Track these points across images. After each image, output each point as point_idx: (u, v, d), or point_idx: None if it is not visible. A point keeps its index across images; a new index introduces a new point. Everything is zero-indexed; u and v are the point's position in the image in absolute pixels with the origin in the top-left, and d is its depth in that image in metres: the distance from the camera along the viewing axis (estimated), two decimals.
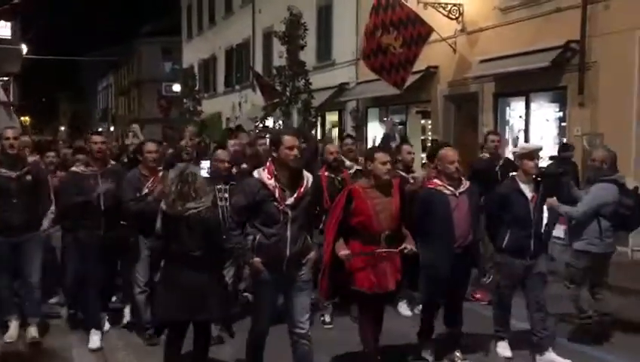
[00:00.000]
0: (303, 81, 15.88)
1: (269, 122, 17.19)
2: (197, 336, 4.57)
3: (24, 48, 18.79)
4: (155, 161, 5.76)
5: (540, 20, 10.75)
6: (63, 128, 73.28)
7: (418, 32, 12.43)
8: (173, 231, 4.37)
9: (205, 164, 6.02)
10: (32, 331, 5.61)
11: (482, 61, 12.03)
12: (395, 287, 4.75)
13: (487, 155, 7.14)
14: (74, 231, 5.85)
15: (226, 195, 5.59)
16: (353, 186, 4.80)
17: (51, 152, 7.33)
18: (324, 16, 18.62)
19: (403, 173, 6.27)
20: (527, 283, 5.25)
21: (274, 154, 4.39)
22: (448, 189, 4.97)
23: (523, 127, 11.61)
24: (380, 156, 4.67)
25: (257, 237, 4.32)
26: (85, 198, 5.57)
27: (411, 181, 6.20)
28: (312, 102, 16.51)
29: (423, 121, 15.19)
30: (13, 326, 5.68)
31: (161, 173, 5.70)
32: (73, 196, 5.62)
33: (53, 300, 6.66)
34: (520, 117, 11.83)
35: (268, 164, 4.43)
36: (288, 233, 4.30)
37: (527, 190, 5.17)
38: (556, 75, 10.41)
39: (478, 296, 6.86)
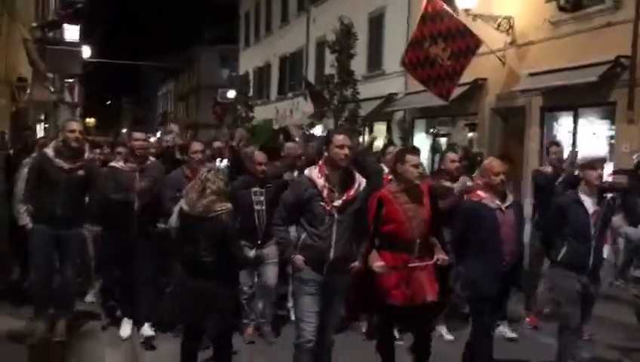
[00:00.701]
0: (351, 90, 16.00)
1: (317, 130, 17.41)
2: (215, 348, 4.46)
3: (87, 51, 19.61)
4: (199, 162, 5.64)
5: (590, 34, 10.54)
6: (124, 130, 75.83)
7: (467, 45, 12.37)
8: (190, 233, 4.26)
9: (223, 164, 6.06)
10: (61, 327, 5.50)
11: (530, 74, 11.87)
12: (436, 298, 4.40)
13: (549, 168, 6.72)
14: (108, 227, 5.83)
15: (262, 198, 5.55)
16: (381, 192, 4.52)
17: (98, 149, 7.45)
18: (376, 26, 18.72)
19: (448, 183, 5.95)
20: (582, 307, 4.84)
21: (325, 154, 4.31)
22: (494, 203, 4.63)
23: (571, 142, 11.36)
24: (412, 158, 4.42)
25: (302, 236, 4.24)
26: (121, 196, 5.50)
27: (455, 192, 5.85)
28: (360, 111, 16.64)
29: (470, 134, 15.07)
30: (61, 323, 5.54)
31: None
32: (109, 191, 5.56)
33: (88, 298, 6.70)
34: (568, 132, 11.60)
35: (320, 162, 4.33)
36: (333, 236, 4.16)
37: (588, 203, 4.85)
38: (605, 90, 10.18)
39: (528, 319, 6.57)
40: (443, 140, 15.99)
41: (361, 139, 18.90)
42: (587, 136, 11.05)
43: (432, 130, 16.22)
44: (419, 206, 4.40)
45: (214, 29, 42.73)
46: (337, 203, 4.17)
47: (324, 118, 16.88)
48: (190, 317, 4.33)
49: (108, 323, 5.97)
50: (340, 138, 4.22)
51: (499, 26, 12.60)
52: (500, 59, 12.83)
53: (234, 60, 35.93)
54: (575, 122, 11.26)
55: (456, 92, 13.05)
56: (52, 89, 17.14)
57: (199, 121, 41.03)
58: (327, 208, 4.16)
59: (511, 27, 12.57)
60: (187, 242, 4.29)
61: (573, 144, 11.19)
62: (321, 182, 4.19)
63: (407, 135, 16.85)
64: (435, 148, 15.93)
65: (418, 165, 4.44)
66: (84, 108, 60.48)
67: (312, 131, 16.83)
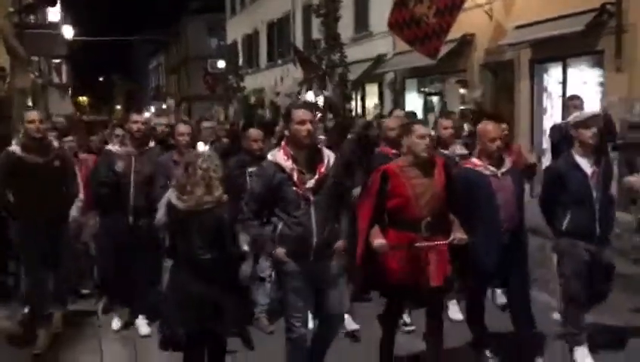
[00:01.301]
0: (339, 54, 15.81)
1: (308, 96, 17.28)
2: (210, 352, 3.98)
3: (69, 31, 19.33)
4: (187, 145, 5.26)
5: None
6: (118, 107, 75.61)
7: (452, 0, 12.16)
8: (182, 229, 3.81)
9: (203, 147, 5.55)
10: (57, 320, 5.26)
11: (517, 27, 11.69)
12: (444, 283, 4.03)
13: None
14: (103, 215, 5.50)
15: None
16: (388, 165, 4.15)
17: (69, 137, 6.72)
18: None
19: (444, 151, 5.55)
20: (592, 275, 4.47)
21: (286, 132, 4.00)
22: (488, 169, 4.30)
23: (560, 94, 11.26)
24: (418, 128, 4.03)
25: (279, 226, 3.89)
26: (114, 179, 5.20)
27: (455, 158, 5.38)
28: (350, 75, 16.48)
29: (462, 91, 14.92)
30: (57, 316, 5.31)
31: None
32: (103, 175, 5.28)
33: (85, 291, 6.37)
34: (558, 83, 11.48)
35: (283, 143, 4.00)
36: (313, 219, 3.84)
37: (585, 165, 4.47)
38: (593, 38, 10.02)
39: None
40: (435, 99, 15.89)
41: (353, 104, 18.87)
42: (577, 87, 10.91)
43: (423, 90, 16.07)
44: (430, 181, 4.01)
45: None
46: (310, 184, 3.85)
47: (318, 86, 16.73)
48: (193, 326, 3.80)
49: (104, 314, 5.74)
50: (299, 113, 3.86)
51: None
52: (487, 13, 12.63)
53: (222, 29, 35.48)
54: (564, 73, 11.13)
55: (445, 49, 12.86)
56: (36, 73, 16.92)
57: (191, 94, 40.75)
58: (301, 192, 3.83)
59: None
60: (179, 240, 3.84)
61: (564, 95, 11.10)
62: (288, 164, 3.86)
63: (399, 96, 16.72)
64: (427, 108, 15.83)
65: (425, 136, 4.00)
66: (76, 88, 60.14)
67: (301, 99, 16.69)
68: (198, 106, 38.55)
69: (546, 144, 11.57)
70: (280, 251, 3.89)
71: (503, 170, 4.34)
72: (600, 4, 9.70)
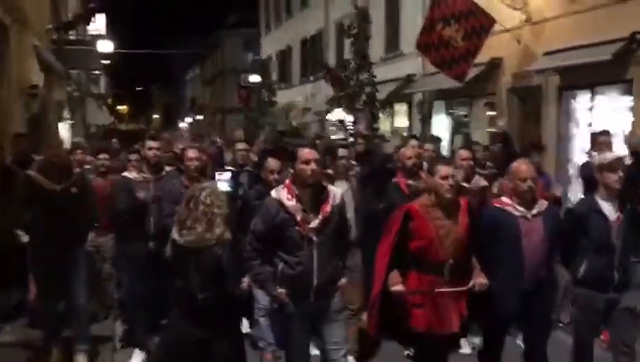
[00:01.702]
0: (367, 74, 15.90)
1: (336, 114, 17.37)
2: None
3: (108, 45, 19.92)
4: (197, 170, 5.18)
5: (605, 10, 10.19)
6: (156, 116, 77.13)
7: (480, 24, 12.13)
8: (181, 265, 3.64)
9: (225, 177, 5.43)
10: (81, 361, 5.12)
11: (546, 53, 11.61)
12: (460, 329, 4.01)
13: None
14: (123, 241, 5.48)
15: None
16: (411, 204, 4.06)
17: (104, 154, 6.78)
18: (392, 7, 18.48)
19: (464, 184, 5.36)
20: (612, 321, 4.29)
21: (291, 171, 3.97)
22: (518, 210, 4.12)
23: (588, 122, 11.13)
24: (441, 169, 3.95)
25: (280, 266, 3.83)
26: (132, 205, 5.20)
27: (473, 191, 5.33)
28: (379, 94, 16.54)
29: (490, 113, 14.84)
30: (81, 358, 5.15)
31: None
32: (122, 203, 5.28)
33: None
34: (587, 110, 11.34)
35: (287, 181, 3.95)
36: (315, 261, 3.78)
37: (608, 210, 4.23)
38: (622, 67, 9.88)
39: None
40: (464, 121, 15.81)
41: (381, 124, 18.91)
42: (605, 115, 10.78)
43: (450, 111, 16.03)
44: (454, 223, 3.93)
45: (238, 12, 42.78)
46: (314, 224, 3.78)
47: (346, 105, 16.76)
48: None
49: (121, 345, 5.66)
50: (305, 152, 3.84)
51: (513, 2, 12.31)
52: (516, 38, 12.56)
53: (257, 44, 36.00)
54: (592, 100, 10.99)
55: (473, 72, 12.87)
56: (73, 86, 17.45)
57: (225, 106, 41.37)
58: (304, 232, 3.76)
59: (525, 4, 12.27)
60: (178, 276, 3.67)
61: (591, 123, 10.97)
62: (292, 204, 3.78)
63: (427, 117, 16.71)
64: (454, 130, 15.78)
65: (448, 176, 3.91)
66: (116, 97, 61.70)
67: (328, 117, 16.82)
68: (231, 119, 39.13)
69: (572, 171, 11.49)
70: (281, 292, 3.83)
71: (534, 211, 4.14)
72: (630, 33, 9.57)
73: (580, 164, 6.88)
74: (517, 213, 4.13)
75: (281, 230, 3.79)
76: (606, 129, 7.21)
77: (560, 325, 5.76)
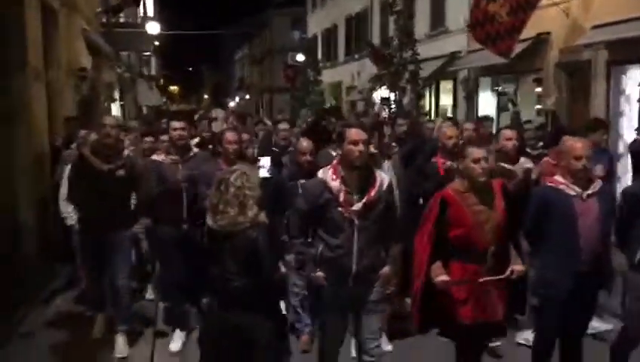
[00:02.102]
0: (411, 51, 15.77)
1: (378, 94, 17.37)
2: None
3: (156, 27, 20.34)
4: (235, 153, 5.06)
5: None
6: (206, 96, 78.38)
7: None
8: (216, 252, 3.52)
9: (265, 161, 5.20)
10: (120, 343, 5.11)
11: (595, 27, 11.25)
12: (504, 318, 3.92)
13: None
14: (157, 224, 5.36)
15: None
16: (446, 190, 3.89)
17: (149, 137, 6.73)
18: None
19: (506, 165, 5.17)
20: None
21: (339, 151, 3.86)
22: (573, 189, 3.94)
23: (638, 98, 10.78)
24: (472, 152, 3.79)
25: (320, 248, 3.79)
26: (164, 188, 5.11)
27: (518, 173, 5.11)
28: (423, 72, 16.39)
29: (539, 90, 14.52)
30: (119, 339, 5.13)
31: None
32: (152, 186, 5.17)
33: (147, 295, 6.39)
34: (638, 85, 10.98)
35: (334, 162, 3.86)
36: (355, 245, 3.72)
37: None
38: None
39: None
40: (511, 98, 15.51)
41: (427, 101, 18.75)
42: None
43: (496, 88, 15.74)
44: (490, 208, 3.79)
45: None
46: (357, 207, 3.71)
47: (390, 83, 16.70)
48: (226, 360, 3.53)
49: (161, 329, 5.64)
50: (352, 133, 3.73)
51: None
52: (564, 11, 12.22)
53: (305, 23, 35.99)
54: None
55: (519, 48, 12.60)
56: (123, 68, 17.94)
57: (273, 85, 41.63)
58: (346, 214, 3.70)
59: None
60: (214, 263, 3.53)
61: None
62: (336, 185, 3.72)
63: (472, 94, 16.47)
64: (500, 107, 15.51)
65: (480, 159, 3.76)
66: (167, 78, 63.00)
67: (372, 96, 16.80)
68: (278, 99, 39.40)
69: (622, 149, 11.17)
70: (319, 276, 3.80)
71: (590, 191, 3.95)
72: None
73: (630, 141, 6.59)
74: (572, 193, 3.94)
75: (323, 211, 3.74)
76: None
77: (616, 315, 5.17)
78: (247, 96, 53.75)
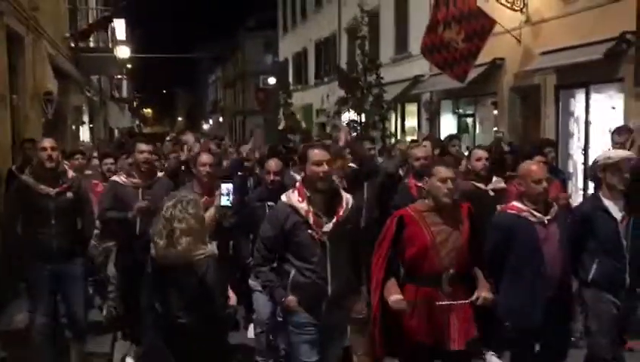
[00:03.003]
0: (375, 75, 16.27)
1: (344, 117, 17.80)
2: None
3: (126, 51, 20.59)
4: (209, 176, 4.87)
5: (598, 10, 10.42)
6: (180, 119, 78.43)
7: (481, 25, 12.48)
8: (160, 286, 3.34)
9: (226, 188, 4.68)
10: (76, 358, 4.93)
11: (543, 53, 11.85)
12: (465, 346, 3.59)
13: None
14: (118, 248, 5.16)
15: None
16: (405, 210, 3.73)
17: (109, 158, 6.61)
18: (402, 9, 18.80)
19: (478, 184, 5.16)
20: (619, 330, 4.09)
21: (302, 174, 3.78)
22: (534, 216, 3.84)
23: (584, 120, 11.36)
24: (440, 171, 3.62)
25: (292, 273, 3.63)
26: (118, 216, 4.88)
27: (490, 193, 5.09)
28: (387, 95, 16.89)
29: (495, 112, 15.10)
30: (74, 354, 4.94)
31: (217, 193, 4.69)
32: (108, 208, 4.96)
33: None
34: (585, 107, 11.55)
35: (298, 184, 3.74)
36: (328, 267, 3.58)
37: (614, 209, 4.08)
38: (614, 66, 10.10)
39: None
40: (469, 120, 16.09)
41: (392, 123, 19.24)
42: (600, 114, 11.01)
43: (457, 111, 16.32)
44: (453, 228, 3.60)
45: (257, 14, 43.33)
46: (327, 228, 3.58)
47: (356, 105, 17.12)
48: None
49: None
50: (315, 153, 3.62)
51: (513, 4, 12.58)
52: (516, 38, 12.82)
53: (276, 46, 36.51)
54: (587, 99, 11.21)
55: (476, 72, 13.22)
56: (91, 91, 18.12)
57: (246, 108, 41.98)
58: (317, 236, 3.56)
59: (525, 5, 12.53)
60: (157, 297, 3.36)
61: (586, 121, 11.21)
62: (303, 206, 3.59)
63: (434, 116, 17.01)
64: (460, 129, 16.05)
65: (447, 179, 3.58)
66: (142, 100, 63.03)
67: (336, 120, 17.23)
68: (251, 121, 39.74)
69: (572, 169, 11.73)
70: (291, 300, 3.62)
71: (550, 216, 3.88)
72: (620, 33, 9.79)
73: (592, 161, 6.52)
74: (534, 219, 3.84)
75: (292, 235, 3.60)
76: (625, 125, 7.07)
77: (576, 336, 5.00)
78: (221, 119, 54.02)
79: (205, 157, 4.98)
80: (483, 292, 3.59)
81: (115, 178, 5.12)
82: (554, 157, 6.75)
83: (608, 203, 4.11)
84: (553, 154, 6.61)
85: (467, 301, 3.58)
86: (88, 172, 6.36)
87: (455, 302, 3.57)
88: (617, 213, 4.09)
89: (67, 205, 4.72)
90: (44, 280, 4.70)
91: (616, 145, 6.11)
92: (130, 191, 4.92)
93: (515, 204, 3.95)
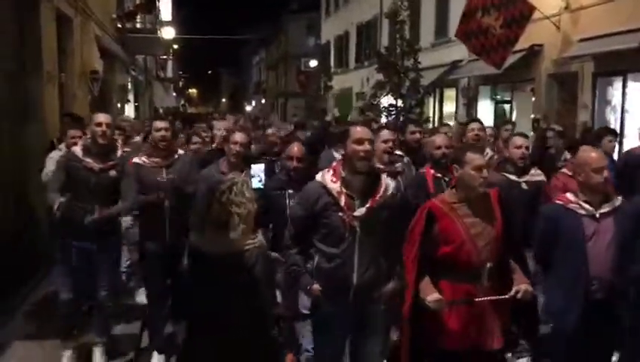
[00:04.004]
0: (412, 60, 16.36)
1: (385, 100, 17.95)
2: None
3: (171, 32, 21.16)
4: (238, 156, 4.72)
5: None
6: (224, 100, 79.55)
7: (520, 11, 12.40)
8: (200, 279, 2.99)
9: (258, 170, 4.56)
10: (97, 355, 4.79)
11: (582, 40, 11.77)
12: (503, 345, 3.38)
13: None
14: (140, 236, 4.99)
15: None
16: (433, 202, 3.47)
17: (138, 136, 6.40)
18: None
19: (513, 177, 4.74)
20: None
21: (340, 153, 3.62)
22: (583, 208, 3.52)
23: (620, 109, 11.29)
24: (474, 158, 3.35)
25: (316, 258, 3.41)
26: (145, 198, 4.73)
27: (523, 186, 4.64)
28: (425, 80, 16.97)
29: (533, 99, 15.03)
30: (97, 351, 4.81)
31: (244, 173, 4.41)
32: (134, 192, 4.76)
33: (139, 298, 6.00)
34: (622, 96, 11.46)
35: (335, 163, 3.52)
36: (356, 255, 3.33)
37: None
38: None
39: None
40: (507, 107, 16.04)
41: (431, 108, 19.30)
42: (637, 102, 10.91)
43: (495, 97, 16.29)
44: (487, 220, 3.35)
45: None
46: (359, 212, 3.32)
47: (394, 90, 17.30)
48: None
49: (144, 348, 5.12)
50: (357, 131, 3.37)
51: None
52: (555, 25, 12.74)
53: (319, 29, 36.68)
54: (624, 87, 11.12)
55: (513, 58, 13.16)
56: (136, 71, 18.73)
57: (288, 90, 42.37)
58: (347, 219, 3.30)
59: None
60: (199, 293, 3.00)
61: (622, 109, 11.14)
62: (335, 187, 3.34)
63: (472, 101, 17.01)
64: (497, 115, 16.03)
65: (482, 167, 3.33)
66: (188, 80, 64.22)
67: (375, 102, 17.39)
68: (292, 103, 40.15)
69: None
70: (316, 288, 3.39)
71: (605, 209, 3.53)
72: None
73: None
74: (583, 212, 3.53)
75: (322, 216, 3.36)
76: None
77: None
78: (263, 101, 54.60)
79: (238, 136, 4.82)
80: (522, 285, 3.30)
81: (135, 160, 4.90)
82: (614, 148, 6.24)
83: None
84: (614, 144, 6.13)
85: (507, 296, 3.30)
86: (127, 149, 6.10)
87: (496, 298, 3.31)
88: None
89: (108, 183, 4.65)
90: (74, 255, 4.67)
91: None
92: (152, 171, 4.80)
93: (568, 195, 3.64)
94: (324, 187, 3.38)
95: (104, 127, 4.59)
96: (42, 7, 7.68)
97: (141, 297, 5.87)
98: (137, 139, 7.66)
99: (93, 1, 11.05)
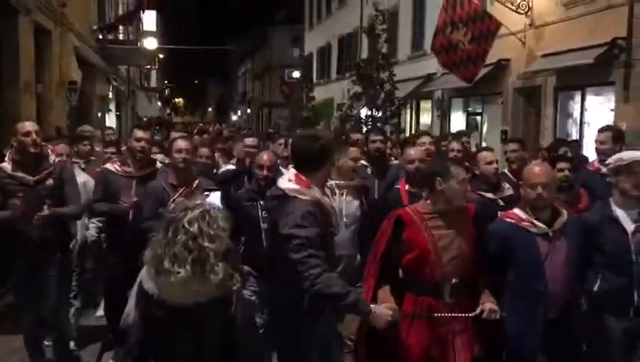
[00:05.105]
0: (387, 72, 16.84)
1: (363, 111, 18.42)
2: None
3: (153, 43, 21.51)
4: (184, 163, 4.30)
5: (594, 16, 10.83)
6: (210, 110, 79.84)
7: (487, 28, 12.92)
8: (159, 335, 2.32)
9: (215, 197, 3.90)
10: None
11: (545, 55, 12.28)
12: None
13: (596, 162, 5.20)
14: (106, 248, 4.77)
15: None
16: (404, 209, 3.39)
17: (86, 141, 6.06)
18: (419, 9, 19.29)
19: (489, 195, 4.50)
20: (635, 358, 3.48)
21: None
22: (535, 226, 3.38)
23: (578, 122, 11.80)
24: (459, 173, 3.30)
25: None
26: (107, 209, 4.54)
27: (500, 202, 4.38)
28: (400, 92, 17.45)
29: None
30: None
31: (195, 184, 4.30)
32: (98, 198, 4.60)
33: (98, 312, 5.61)
34: (581, 109, 11.97)
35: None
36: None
37: (625, 219, 3.51)
38: (606, 70, 10.51)
39: None
40: (478, 118, 16.54)
41: (407, 119, 19.77)
42: (594, 116, 11.41)
43: (467, 109, 16.79)
44: (459, 235, 3.25)
45: (286, 8, 44.05)
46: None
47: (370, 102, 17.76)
48: None
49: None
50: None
51: (518, 8, 13.01)
52: (521, 40, 13.25)
53: (303, 41, 37.18)
54: (583, 101, 11.63)
55: (482, 72, 13.65)
56: (117, 81, 19.03)
57: (272, 100, 42.80)
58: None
59: (530, 9, 12.94)
60: (158, 353, 2.35)
61: (581, 122, 11.64)
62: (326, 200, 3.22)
63: (445, 113, 17.51)
64: (469, 127, 16.50)
65: (466, 181, 3.31)
66: (172, 89, 64.37)
67: (352, 113, 17.83)
68: (276, 113, 40.59)
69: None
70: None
71: (557, 226, 3.41)
72: (611, 38, 10.20)
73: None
74: (534, 230, 3.38)
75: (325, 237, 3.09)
76: (608, 125, 6.62)
77: None
78: (249, 111, 55.00)
79: (181, 143, 4.37)
80: (488, 304, 3.19)
81: (108, 165, 4.74)
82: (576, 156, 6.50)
83: (619, 211, 3.56)
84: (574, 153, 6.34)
85: (471, 314, 3.19)
86: (93, 158, 6.06)
87: (457, 315, 3.18)
88: (629, 224, 3.52)
89: (47, 193, 4.26)
90: (24, 273, 4.34)
91: (596, 143, 5.70)
92: (122, 181, 4.54)
93: (516, 211, 3.50)
94: (320, 205, 3.10)
95: (34, 135, 4.24)
96: (20, 21, 8.02)
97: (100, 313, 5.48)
98: (99, 149, 7.12)
99: (73, 13, 11.39)
